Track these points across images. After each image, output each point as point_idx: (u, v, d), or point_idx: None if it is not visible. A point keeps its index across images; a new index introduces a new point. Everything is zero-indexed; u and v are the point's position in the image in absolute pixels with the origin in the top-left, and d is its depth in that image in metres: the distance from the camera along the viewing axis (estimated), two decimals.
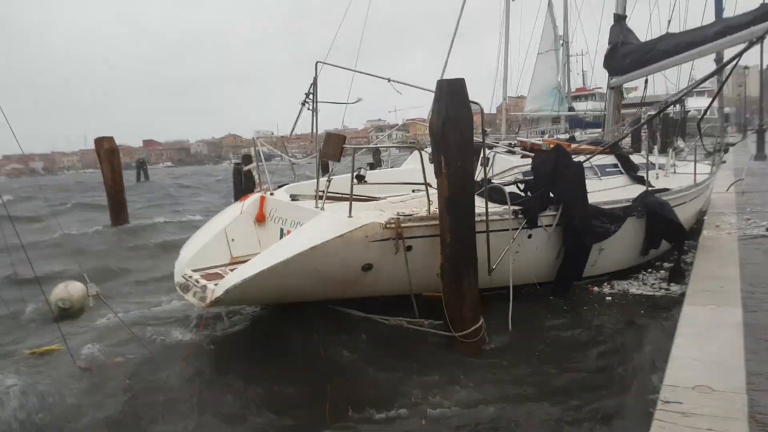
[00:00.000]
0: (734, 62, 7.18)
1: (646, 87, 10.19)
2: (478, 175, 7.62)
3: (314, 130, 6.55)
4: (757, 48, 6.97)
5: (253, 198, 6.87)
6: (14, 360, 5.30)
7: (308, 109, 6.50)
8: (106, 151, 14.17)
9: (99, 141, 14.22)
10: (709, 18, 10.60)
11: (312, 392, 4.54)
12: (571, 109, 30.18)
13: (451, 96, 4.95)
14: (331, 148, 5.49)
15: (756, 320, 4.27)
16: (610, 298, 6.64)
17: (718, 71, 8.11)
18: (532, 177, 6.50)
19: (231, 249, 6.31)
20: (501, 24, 11.76)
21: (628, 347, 5.12)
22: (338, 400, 4.32)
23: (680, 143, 12.59)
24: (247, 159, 14.73)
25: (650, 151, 10.05)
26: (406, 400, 4.35)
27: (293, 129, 6.83)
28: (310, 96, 6.45)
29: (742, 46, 7.21)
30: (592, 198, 7.04)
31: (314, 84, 6.46)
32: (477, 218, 5.47)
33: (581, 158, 7.07)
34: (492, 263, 5.74)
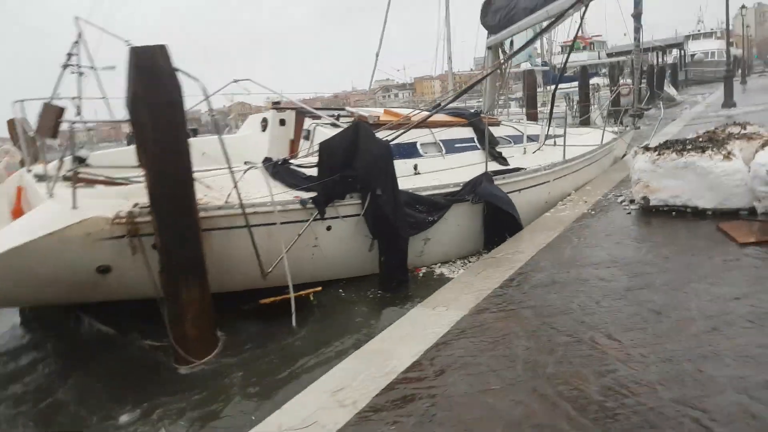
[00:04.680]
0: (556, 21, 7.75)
1: (512, 46, 9.57)
2: (302, 150, 6.94)
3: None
4: None
5: (11, 180, 6.01)
6: None
7: (73, 72, 5.72)
8: None
9: None
10: None
11: None
12: (545, 63, 30.12)
13: (138, 69, 4.20)
14: (45, 122, 4.71)
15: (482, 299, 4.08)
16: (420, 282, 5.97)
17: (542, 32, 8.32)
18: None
19: None
20: None
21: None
22: None
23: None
24: None
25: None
26: None
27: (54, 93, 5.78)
28: (73, 57, 5.65)
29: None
30: (427, 178, 6.36)
31: (77, 43, 5.65)
32: (252, 209, 4.87)
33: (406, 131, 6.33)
34: (270, 264, 5.01)
